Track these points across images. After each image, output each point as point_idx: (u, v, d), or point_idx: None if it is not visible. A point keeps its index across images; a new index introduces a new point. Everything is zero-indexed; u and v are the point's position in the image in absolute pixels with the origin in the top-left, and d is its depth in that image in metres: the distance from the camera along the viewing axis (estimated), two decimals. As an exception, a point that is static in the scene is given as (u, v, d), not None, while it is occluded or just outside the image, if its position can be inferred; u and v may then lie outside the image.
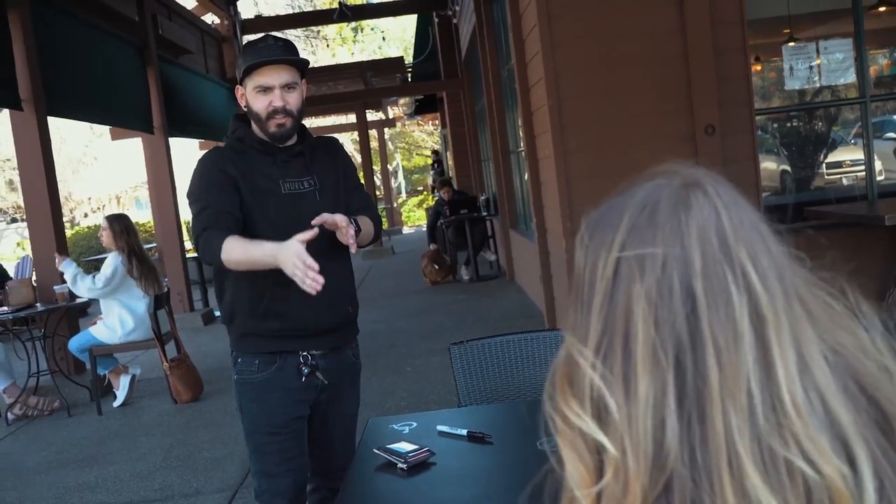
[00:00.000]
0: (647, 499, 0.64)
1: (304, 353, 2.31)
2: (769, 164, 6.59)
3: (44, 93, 6.55)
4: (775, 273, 0.68)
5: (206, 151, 2.40)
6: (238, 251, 2.11)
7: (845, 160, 6.47)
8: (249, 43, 2.30)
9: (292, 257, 1.95)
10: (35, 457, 4.97)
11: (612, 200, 0.74)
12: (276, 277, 2.17)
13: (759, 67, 6.18)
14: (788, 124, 6.46)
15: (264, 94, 2.21)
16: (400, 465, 1.83)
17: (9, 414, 5.79)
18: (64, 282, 6.19)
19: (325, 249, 2.26)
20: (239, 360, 2.34)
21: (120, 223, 5.75)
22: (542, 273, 6.49)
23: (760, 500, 0.62)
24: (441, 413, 2.28)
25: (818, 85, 5.89)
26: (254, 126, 2.31)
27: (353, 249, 2.15)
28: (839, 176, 6.50)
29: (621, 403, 0.66)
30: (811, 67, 5.75)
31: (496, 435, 1.97)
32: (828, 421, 0.64)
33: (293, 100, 2.25)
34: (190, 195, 2.28)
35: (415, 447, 1.89)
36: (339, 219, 2.12)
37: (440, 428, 2.05)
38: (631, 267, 0.68)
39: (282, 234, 2.20)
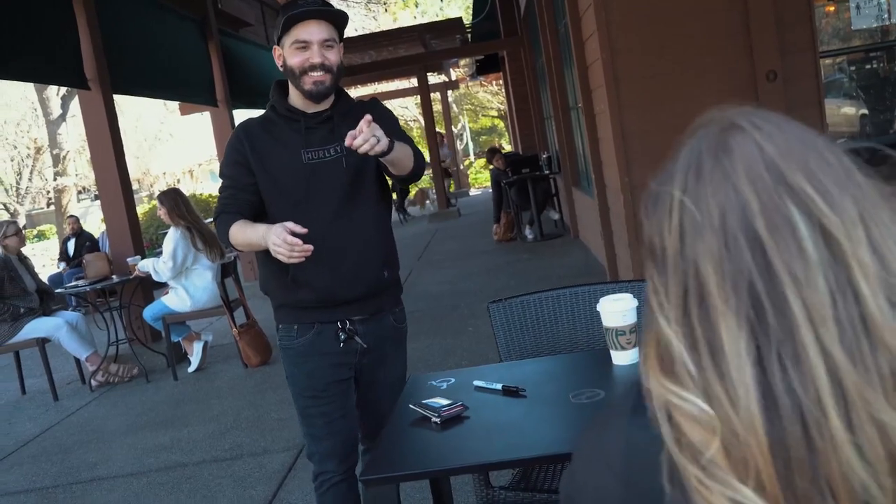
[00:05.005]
0: (765, 447, 0.63)
1: (342, 320, 2.31)
2: (848, 109, 6.34)
3: (108, 71, 6.75)
4: (840, 185, 0.66)
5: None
6: (239, 237, 2.17)
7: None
8: (287, 2, 2.23)
9: (273, 237, 1.98)
10: (116, 420, 5.24)
11: (665, 168, 0.74)
12: None
13: (832, 8, 5.92)
14: (867, 66, 6.17)
15: (302, 51, 2.18)
16: (434, 419, 1.87)
17: (92, 381, 6.10)
18: (136, 254, 6.45)
19: (352, 215, 2.25)
20: (280, 327, 2.37)
21: (169, 199, 5.91)
22: (603, 229, 6.43)
23: (878, 417, 0.61)
24: (480, 369, 2.30)
25: (888, 22, 5.62)
26: (290, 93, 2.28)
27: (360, 147, 1.97)
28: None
29: (709, 364, 0.65)
30: (879, 4, 5.49)
31: (531, 389, 1.99)
32: None
33: (332, 56, 2.21)
34: (220, 172, 2.35)
35: (449, 402, 1.93)
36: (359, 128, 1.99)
37: (476, 383, 2.08)
38: (692, 228, 0.68)
39: (301, 206, 2.22)
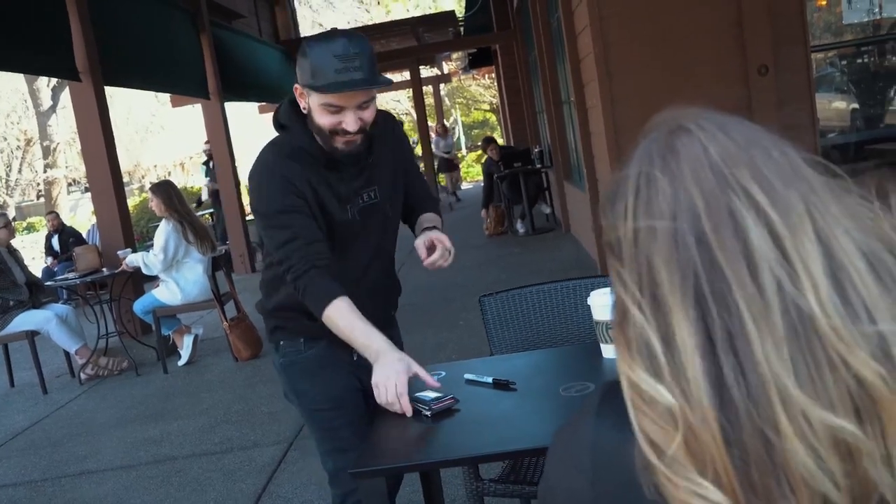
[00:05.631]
0: (719, 441, 0.64)
1: None
2: (839, 103, 6.35)
3: (100, 63, 6.71)
4: (786, 181, 0.67)
5: (267, 153, 2.03)
6: (339, 322, 1.93)
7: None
8: (316, 46, 1.84)
9: (388, 380, 1.85)
10: (105, 413, 5.22)
11: (621, 170, 0.75)
12: None
13: (824, 2, 5.93)
14: (858, 60, 6.18)
15: (334, 114, 1.89)
16: (425, 412, 1.87)
17: (81, 374, 6.08)
18: (126, 247, 6.42)
19: (380, 260, 2.19)
20: (281, 342, 2.18)
21: (162, 191, 5.88)
22: (594, 223, 6.44)
23: (814, 417, 0.61)
24: (471, 362, 2.30)
25: (879, 17, 5.63)
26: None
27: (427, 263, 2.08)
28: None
29: (663, 358, 0.66)
30: (871, -1, 5.51)
31: (521, 382, 1.98)
32: (866, 317, 0.63)
33: (368, 115, 1.92)
34: (263, 215, 2.00)
35: (440, 395, 1.92)
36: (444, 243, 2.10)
37: (467, 376, 2.08)
38: (645, 230, 0.69)
39: (347, 255, 2.08)
